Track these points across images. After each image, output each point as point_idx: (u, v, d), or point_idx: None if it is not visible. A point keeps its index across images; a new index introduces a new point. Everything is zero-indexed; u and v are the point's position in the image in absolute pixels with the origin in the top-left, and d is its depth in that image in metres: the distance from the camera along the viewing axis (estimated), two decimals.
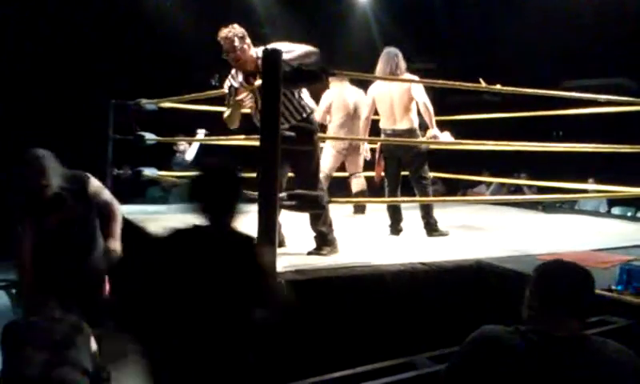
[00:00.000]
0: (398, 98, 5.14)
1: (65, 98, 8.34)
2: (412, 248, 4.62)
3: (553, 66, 10.11)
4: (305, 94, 4.14)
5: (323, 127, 6.04)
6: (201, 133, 7.54)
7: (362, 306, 3.56)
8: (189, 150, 7.74)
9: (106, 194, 3.60)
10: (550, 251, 4.49)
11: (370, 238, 5.04)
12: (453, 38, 10.73)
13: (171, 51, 9.00)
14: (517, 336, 1.90)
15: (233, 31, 3.95)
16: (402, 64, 5.18)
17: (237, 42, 3.94)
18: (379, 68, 5.18)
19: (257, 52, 3.97)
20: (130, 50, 8.91)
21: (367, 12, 10.12)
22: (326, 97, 6.12)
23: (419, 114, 5.20)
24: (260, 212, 3.35)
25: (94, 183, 3.51)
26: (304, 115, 4.08)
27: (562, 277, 1.98)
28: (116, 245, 3.53)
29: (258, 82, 3.81)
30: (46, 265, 3.30)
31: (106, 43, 8.76)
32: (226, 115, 4.20)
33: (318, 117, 5.42)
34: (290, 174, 4.24)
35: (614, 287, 3.33)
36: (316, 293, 3.49)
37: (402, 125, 5.16)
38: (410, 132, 5.17)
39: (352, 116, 6.00)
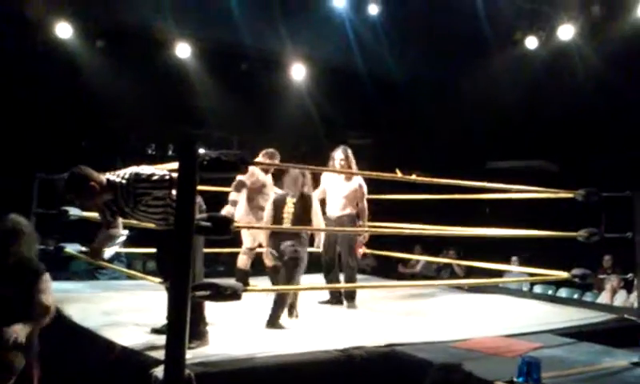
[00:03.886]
0: (348, 191, 5.83)
1: None
2: (330, 332, 4.68)
3: (481, 146, 10.56)
4: None
5: None
6: (124, 233, 7.51)
7: None
8: (109, 250, 7.48)
9: (44, 299, 3.78)
10: (464, 337, 4.61)
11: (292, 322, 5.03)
12: (388, 113, 11.08)
13: (104, 121, 8.98)
14: None
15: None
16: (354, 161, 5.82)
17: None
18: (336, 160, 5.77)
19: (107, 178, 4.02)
20: (61, 120, 8.85)
21: (302, 89, 10.31)
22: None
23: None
24: (171, 302, 3.37)
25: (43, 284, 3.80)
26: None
27: None
28: (15, 329, 3.56)
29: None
30: None
31: (38, 113, 8.72)
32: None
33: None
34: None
35: (515, 379, 3.43)
36: None
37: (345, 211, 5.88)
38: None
39: (260, 191, 6.05)
